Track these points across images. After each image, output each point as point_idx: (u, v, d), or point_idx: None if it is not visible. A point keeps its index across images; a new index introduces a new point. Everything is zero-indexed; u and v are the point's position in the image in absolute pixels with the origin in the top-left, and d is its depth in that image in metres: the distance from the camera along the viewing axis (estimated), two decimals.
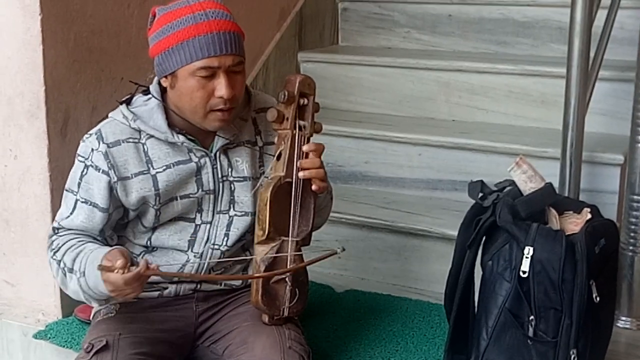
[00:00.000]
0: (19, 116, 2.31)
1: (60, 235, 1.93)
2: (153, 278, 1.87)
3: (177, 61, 1.83)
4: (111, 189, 1.90)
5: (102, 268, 1.71)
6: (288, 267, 1.91)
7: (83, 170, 1.91)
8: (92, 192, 1.91)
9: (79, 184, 1.92)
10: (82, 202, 1.91)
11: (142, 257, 1.99)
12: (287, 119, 1.91)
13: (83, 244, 1.89)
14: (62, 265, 1.88)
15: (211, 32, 1.81)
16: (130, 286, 1.72)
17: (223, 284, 2.03)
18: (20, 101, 2.29)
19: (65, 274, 1.88)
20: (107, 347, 1.87)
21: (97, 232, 1.93)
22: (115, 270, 1.70)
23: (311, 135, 1.95)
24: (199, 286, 2.00)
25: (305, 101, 1.93)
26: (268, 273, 1.89)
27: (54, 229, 1.95)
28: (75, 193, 1.93)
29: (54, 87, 2.28)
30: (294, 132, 1.91)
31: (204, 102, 1.85)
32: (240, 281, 2.04)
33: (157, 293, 2.00)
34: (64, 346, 2.24)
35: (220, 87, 1.83)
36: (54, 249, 1.91)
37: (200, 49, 1.81)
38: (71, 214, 1.92)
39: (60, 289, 2.32)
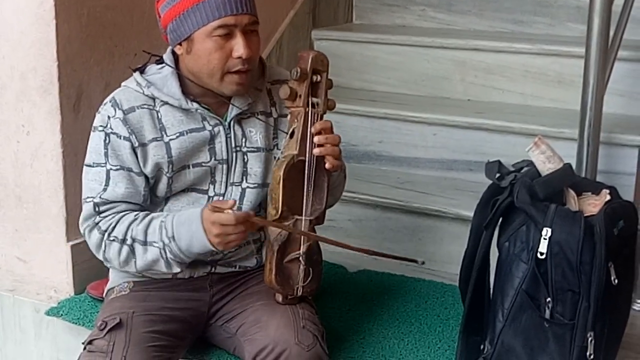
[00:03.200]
0: (32, 92, 2.29)
1: (105, 216, 1.89)
2: None
3: (194, 23, 1.82)
4: (136, 154, 1.89)
5: (213, 209, 1.77)
6: (301, 247, 1.90)
7: (105, 139, 1.89)
8: (122, 158, 1.89)
9: (106, 153, 1.89)
10: (115, 170, 1.89)
11: None
12: (300, 96, 1.89)
13: (144, 216, 1.89)
14: (128, 241, 1.87)
15: None
16: (238, 229, 1.77)
17: (238, 266, 2.02)
18: (33, 76, 2.28)
19: (133, 250, 1.87)
20: (121, 324, 1.87)
21: (142, 199, 1.92)
22: (226, 211, 1.76)
23: (324, 113, 1.93)
24: (213, 269, 1.99)
25: (318, 78, 1.91)
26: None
27: (95, 206, 1.89)
28: (103, 164, 1.89)
29: (67, 63, 2.26)
30: (307, 109, 1.89)
31: (221, 64, 1.84)
32: (255, 262, 2.03)
33: (170, 275, 1.99)
34: (76, 323, 2.24)
35: (238, 46, 1.83)
36: (105, 231, 1.88)
37: (217, 8, 1.81)
38: (107, 185, 1.89)
39: (73, 265, 2.34)
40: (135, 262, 1.89)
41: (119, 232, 1.87)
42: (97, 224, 1.90)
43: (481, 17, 3.23)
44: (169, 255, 1.86)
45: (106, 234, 1.89)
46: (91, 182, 1.91)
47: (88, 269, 2.31)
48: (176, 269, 1.90)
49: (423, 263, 1.91)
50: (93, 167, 1.91)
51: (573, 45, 2.79)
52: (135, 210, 1.91)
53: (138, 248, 1.87)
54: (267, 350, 1.83)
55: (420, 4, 3.34)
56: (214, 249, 1.83)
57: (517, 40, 2.97)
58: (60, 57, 2.24)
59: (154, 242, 1.86)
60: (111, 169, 1.89)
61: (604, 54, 2.27)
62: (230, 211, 1.77)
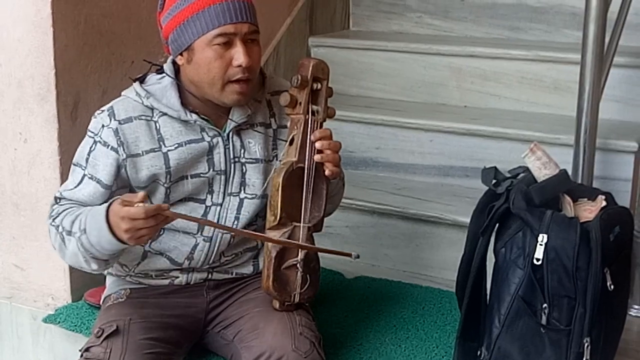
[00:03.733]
0: (29, 99, 2.29)
1: (61, 205, 1.91)
2: (162, 265, 1.86)
3: (194, 32, 1.82)
4: (119, 167, 1.89)
5: (122, 203, 1.69)
6: (299, 253, 1.90)
7: (92, 146, 1.91)
8: (97, 168, 1.90)
9: (87, 159, 1.91)
10: (88, 177, 1.90)
11: (148, 245, 1.97)
12: (300, 103, 1.90)
13: (82, 209, 1.87)
14: (60, 229, 1.86)
15: (225, 1, 1.81)
16: (149, 222, 1.69)
17: (234, 273, 2.02)
18: (30, 84, 2.28)
19: (63, 239, 1.85)
20: (118, 331, 1.87)
21: None
22: (136, 204, 1.68)
23: (324, 120, 1.94)
24: (210, 275, 2.00)
25: (319, 86, 1.91)
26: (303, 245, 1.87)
27: (56, 198, 1.93)
28: (83, 168, 1.92)
29: (64, 71, 2.26)
30: (307, 117, 1.89)
31: (222, 73, 1.84)
32: (252, 269, 2.03)
33: (167, 281, 1.99)
34: (73, 330, 2.24)
35: (238, 55, 1.83)
36: (52, 216, 1.90)
37: (216, 16, 1.81)
38: (76, 187, 1.91)
39: (70, 273, 2.34)
40: (65, 252, 1.88)
41: (59, 219, 1.88)
42: (52, 211, 1.92)
43: (477, 24, 3.24)
44: (83, 248, 1.81)
45: (51, 219, 1.90)
46: (70, 178, 1.94)
47: (85, 276, 2.30)
48: (94, 266, 1.84)
49: (358, 257, 1.89)
50: (76, 166, 1.94)
51: (569, 51, 2.79)
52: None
53: (66, 237, 1.85)
54: (264, 357, 1.83)
55: (417, 11, 3.35)
56: (123, 244, 1.76)
57: (513, 47, 2.97)
58: (58, 65, 2.24)
59: (75, 232, 1.83)
60: (85, 174, 1.91)
61: (600, 60, 2.28)
62: (140, 204, 1.69)
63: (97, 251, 1.80)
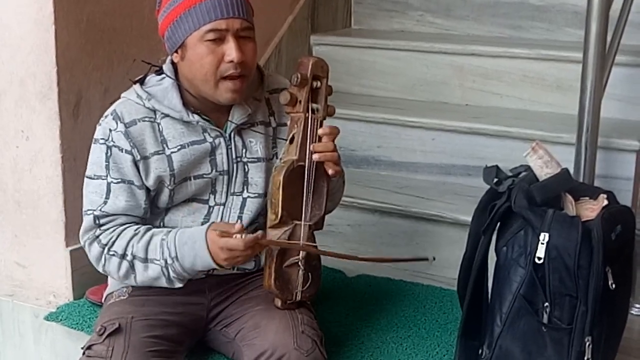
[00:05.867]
0: (31, 97, 2.29)
1: (106, 229, 1.90)
2: None
3: (186, 29, 1.83)
4: (137, 167, 1.89)
5: (222, 234, 1.78)
6: (300, 252, 1.90)
7: (107, 152, 1.89)
8: (124, 171, 1.89)
9: (107, 166, 1.89)
10: (116, 183, 1.89)
11: None
12: (300, 102, 1.90)
13: (145, 231, 1.89)
14: (128, 257, 1.87)
15: None
16: (246, 252, 1.78)
17: (236, 268, 2.03)
18: (32, 82, 2.28)
19: (133, 266, 1.88)
20: (120, 329, 1.87)
21: (142, 212, 1.92)
22: (234, 236, 1.75)
23: (324, 119, 1.94)
24: (211, 271, 2.00)
25: (318, 84, 1.91)
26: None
27: (95, 218, 1.90)
28: (104, 177, 1.90)
29: (66, 68, 2.26)
30: (307, 115, 1.89)
31: (214, 69, 1.83)
32: (253, 264, 2.03)
33: None
34: (75, 328, 2.24)
35: (230, 50, 1.82)
36: (106, 245, 1.89)
37: (207, 12, 1.81)
38: (107, 198, 1.89)
39: (72, 271, 2.34)
40: (135, 277, 1.90)
41: (119, 246, 1.88)
42: (98, 237, 1.90)
43: (479, 23, 3.23)
44: (171, 273, 1.87)
45: (106, 248, 1.89)
46: (92, 195, 1.91)
47: (87, 274, 2.31)
48: (178, 285, 1.91)
49: (434, 259, 1.91)
50: (94, 179, 1.91)
51: (571, 50, 2.79)
52: (136, 223, 1.92)
53: (138, 265, 1.88)
54: (266, 355, 1.83)
55: (419, 9, 3.35)
56: (218, 267, 1.85)
57: (515, 46, 2.97)
58: (60, 63, 2.25)
59: (155, 259, 1.87)
60: (112, 181, 1.89)
61: (602, 58, 2.27)
62: (238, 236, 1.77)
63: (188, 274, 1.88)
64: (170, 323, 1.94)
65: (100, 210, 1.90)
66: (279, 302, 1.94)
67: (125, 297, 1.98)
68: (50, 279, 2.41)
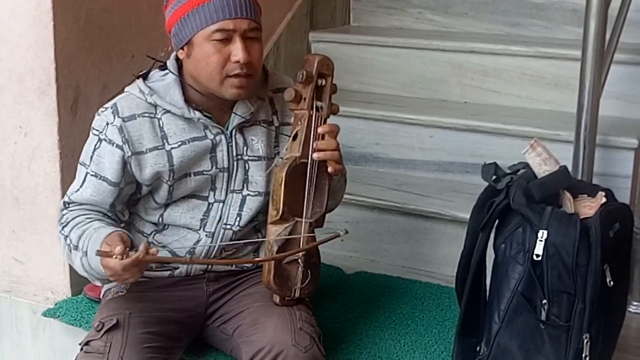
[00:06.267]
0: (29, 93, 2.29)
1: (71, 210, 1.93)
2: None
3: (193, 27, 1.83)
4: (125, 163, 1.89)
5: (100, 254, 1.71)
6: (301, 247, 1.90)
7: (96, 144, 1.91)
8: (102, 166, 1.90)
9: (91, 157, 1.92)
10: (91, 175, 1.91)
11: (152, 236, 1.98)
12: (305, 99, 1.90)
13: (90, 222, 1.89)
14: (68, 241, 1.89)
15: None
16: (129, 272, 1.72)
17: (234, 265, 2.02)
18: (30, 78, 2.28)
19: (70, 250, 1.89)
20: (118, 325, 1.87)
21: (107, 207, 1.93)
22: (114, 256, 1.68)
23: (328, 117, 1.94)
24: (210, 267, 2.00)
25: (323, 82, 1.92)
26: (277, 256, 1.87)
27: (64, 203, 1.95)
28: (86, 166, 1.92)
29: (64, 65, 2.26)
30: (311, 112, 1.90)
31: (220, 67, 1.84)
32: (252, 263, 2.03)
33: (167, 273, 1.99)
34: (73, 324, 2.24)
35: (237, 51, 1.82)
36: (62, 224, 1.92)
37: (215, 11, 1.81)
38: (80, 187, 1.93)
39: (70, 267, 2.33)
40: (73, 262, 1.90)
41: (67, 229, 1.90)
42: (62, 217, 1.93)
43: (478, 20, 3.23)
44: (86, 266, 1.86)
45: (60, 226, 1.92)
46: (75, 180, 1.95)
47: None
48: (97, 283, 1.91)
49: (347, 232, 1.88)
50: (81, 165, 1.95)
51: (569, 48, 2.79)
52: (100, 214, 1.92)
53: (73, 251, 1.88)
54: (264, 351, 1.83)
55: (418, 7, 3.34)
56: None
57: (514, 43, 2.97)
58: (58, 59, 2.24)
59: (80, 250, 1.86)
60: (89, 172, 1.92)
61: (600, 56, 2.28)
62: (119, 256, 1.68)
63: (98, 274, 1.85)
64: (168, 319, 1.94)
65: (69, 196, 1.94)
66: (277, 299, 1.94)
67: (123, 294, 1.98)
68: (48, 275, 2.41)
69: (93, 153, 1.91)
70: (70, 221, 1.91)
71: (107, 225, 1.87)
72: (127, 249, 1.70)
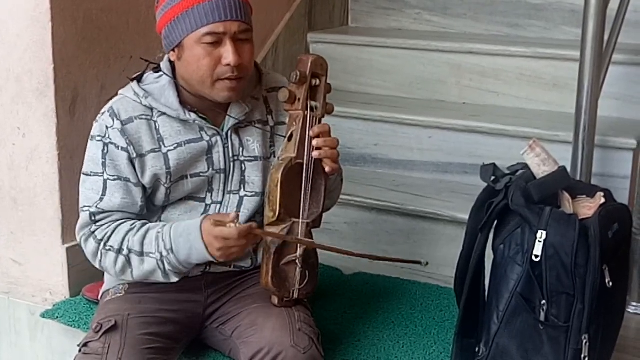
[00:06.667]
0: (28, 94, 2.29)
1: (101, 225, 1.90)
2: None
3: (183, 30, 1.82)
4: (133, 165, 1.89)
5: (216, 223, 1.77)
6: (298, 249, 1.90)
7: (103, 149, 1.89)
8: (120, 168, 1.89)
9: (103, 163, 1.89)
10: (112, 180, 1.89)
11: None
12: (299, 99, 1.89)
13: (141, 226, 1.89)
14: (124, 252, 1.87)
15: None
16: (241, 241, 1.78)
17: (232, 266, 2.02)
18: (28, 79, 2.28)
19: (129, 261, 1.88)
20: (116, 327, 1.87)
21: (138, 209, 1.92)
22: (228, 225, 1.76)
23: (323, 117, 1.94)
24: (208, 268, 1.99)
25: (317, 82, 1.91)
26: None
27: (91, 215, 1.90)
28: (100, 174, 1.90)
29: (62, 65, 2.26)
30: (306, 112, 1.89)
31: (210, 71, 1.83)
32: (250, 263, 2.03)
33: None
34: (71, 325, 2.24)
35: (227, 54, 1.82)
36: (102, 240, 1.89)
37: (205, 14, 1.80)
38: (103, 195, 1.89)
39: (68, 268, 2.33)
40: (131, 272, 1.90)
41: (115, 241, 1.88)
42: (93, 232, 1.90)
43: (476, 21, 3.23)
44: (166, 266, 1.87)
45: (102, 244, 1.89)
46: (88, 192, 1.91)
47: (83, 271, 2.31)
48: (174, 279, 1.91)
49: (427, 264, 1.91)
50: (90, 176, 1.91)
51: (568, 48, 2.79)
52: (132, 220, 1.91)
53: (134, 259, 1.88)
54: (262, 352, 1.83)
55: (416, 7, 3.35)
56: (214, 260, 1.84)
57: (512, 44, 2.97)
58: (56, 60, 2.24)
59: (151, 252, 1.87)
60: (108, 178, 1.89)
61: (599, 57, 2.28)
62: (232, 224, 1.77)
63: (184, 267, 1.88)
64: (166, 320, 1.94)
65: (96, 207, 1.90)
66: (275, 300, 1.94)
67: (121, 295, 1.98)
68: (47, 276, 2.40)
69: (104, 159, 1.89)
70: (111, 234, 1.88)
71: (164, 224, 1.90)
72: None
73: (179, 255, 1.85)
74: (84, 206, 1.91)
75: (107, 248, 1.89)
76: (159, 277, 1.89)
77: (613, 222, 1.84)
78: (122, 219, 1.90)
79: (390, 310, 2.29)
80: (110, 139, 1.88)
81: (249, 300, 1.98)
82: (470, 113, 2.85)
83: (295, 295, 1.93)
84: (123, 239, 1.87)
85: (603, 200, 1.89)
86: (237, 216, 1.81)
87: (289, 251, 1.91)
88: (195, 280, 1.99)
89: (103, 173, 1.89)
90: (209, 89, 1.86)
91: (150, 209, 1.96)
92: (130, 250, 1.87)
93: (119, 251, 1.88)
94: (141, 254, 1.87)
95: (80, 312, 2.28)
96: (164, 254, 1.85)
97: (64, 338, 2.29)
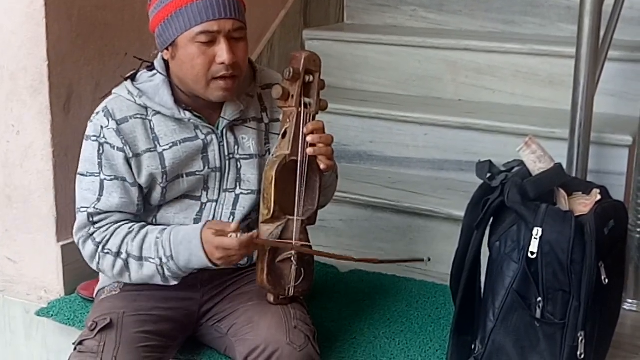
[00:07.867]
0: (22, 91, 2.28)
1: (100, 227, 1.89)
2: None
3: (177, 28, 1.81)
4: (129, 165, 1.88)
5: (217, 233, 1.78)
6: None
7: (99, 149, 1.88)
8: (117, 168, 1.88)
9: (100, 163, 1.88)
10: (109, 180, 1.88)
11: None
12: (293, 96, 1.89)
13: (139, 229, 1.88)
14: (123, 256, 1.87)
15: None
16: (242, 250, 1.78)
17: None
18: (23, 76, 2.27)
19: (127, 265, 1.88)
20: (111, 325, 1.86)
21: (136, 209, 1.91)
22: (230, 235, 1.76)
23: (317, 113, 1.93)
24: None
25: (311, 78, 1.90)
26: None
27: (89, 216, 1.88)
28: (97, 174, 1.89)
29: (57, 62, 2.25)
30: (300, 109, 1.89)
31: (205, 70, 1.82)
32: (246, 260, 2.02)
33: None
34: (66, 324, 2.23)
35: (222, 52, 1.81)
36: (100, 243, 1.88)
37: (199, 13, 1.79)
38: (100, 195, 1.88)
39: (63, 266, 2.33)
40: (129, 275, 1.90)
41: (113, 245, 1.87)
42: (92, 235, 1.89)
43: (472, 18, 3.23)
44: (166, 272, 1.87)
45: (100, 246, 1.88)
46: (85, 192, 1.90)
47: (78, 269, 2.30)
48: (173, 283, 1.90)
49: (429, 260, 1.92)
50: (86, 176, 1.90)
51: (564, 45, 2.79)
52: (130, 220, 1.91)
53: (133, 263, 1.87)
54: (258, 350, 1.83)
55: (412, 4, 3.34)
56: (214, 266, 1.84)
57: (508, 41, 2.97)
58: (51, 57, 2.23)
59: (150, 258, 1.86)
60: (105, 179, 1.88)
61: (595, 54, 2.28)
62: (234, 234, 1.77)
63: (183, 272, 1.88)
64: (162, 318, 1.94)
65: (94, 207, 1.89)
66: (271, 298, 1.93)
67: (117, 293, 1.97)
68: (42, 275, 2.39)
69: (100, 159, 1.88)
70: (110, 237, 1.88)
71: (161, 227, 1.89)
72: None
73: (179, 262, 1.85)
74: (81, 207, 1.91)
75: (105, 251, 1.88)
76: (158, 281, 1.89)
77: (609, 219, 1.85)
78: (120, 220, 1.90)
79: (387, 307, 2.28)
80: (106, 139, 1.87)
81: (244, 297, 1.98)
82: (466, 110, 2.85)
83: (291, 293, 1.93)
84: (121, 243, 1.87)
85: (599, 197, 1.89)
86: (238, 227, 1.80)
87: (284, 249, 1.90)
88: (190, 278, 1.98)
89: (99, 173, 1.89)
90: (203, 89, 1.85)
91: (146, 208, 1.95)
92: (128, 255, 1.87)
93: (117, 255, 1.87)
94: (140, 258, 1.86)
95: (75, 310, 2.27)
96: (164, 260, 1.85)
97: (59, 336, 2.28)
